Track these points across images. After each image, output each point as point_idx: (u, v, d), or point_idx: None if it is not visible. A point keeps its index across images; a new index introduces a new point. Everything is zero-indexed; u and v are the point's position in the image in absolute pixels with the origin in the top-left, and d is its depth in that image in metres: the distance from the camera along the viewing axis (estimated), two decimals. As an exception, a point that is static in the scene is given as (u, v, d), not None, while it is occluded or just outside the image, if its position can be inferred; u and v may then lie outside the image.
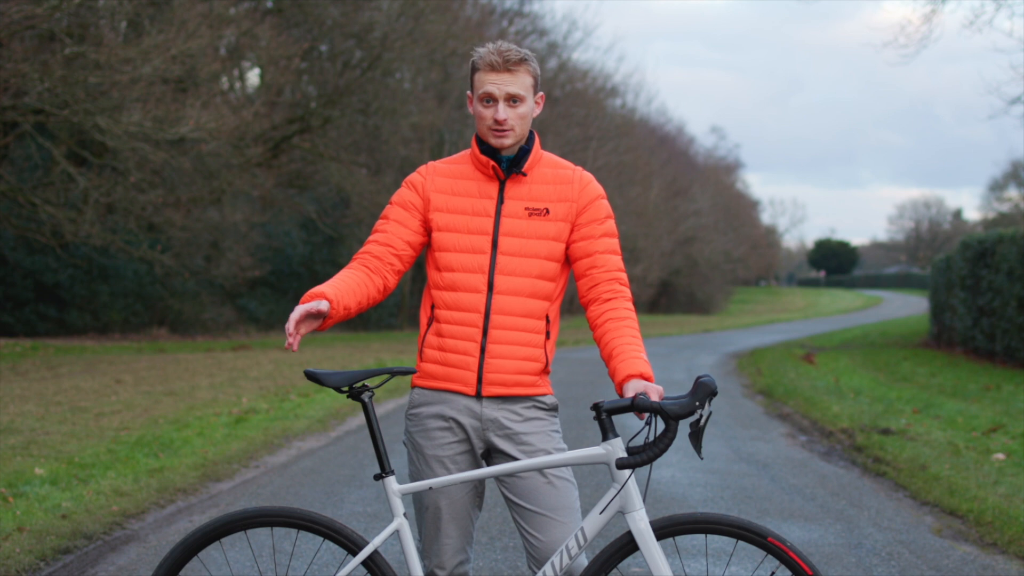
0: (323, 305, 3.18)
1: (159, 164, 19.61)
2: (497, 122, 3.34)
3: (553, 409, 3.49)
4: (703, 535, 3.22)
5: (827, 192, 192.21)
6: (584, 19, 65.73)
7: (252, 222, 26.50)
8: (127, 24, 20.00)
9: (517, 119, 3.35)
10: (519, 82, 3.34)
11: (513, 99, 3.34)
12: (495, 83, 3.33)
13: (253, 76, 28.67)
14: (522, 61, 3.34)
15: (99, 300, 24.94)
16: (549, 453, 3.39)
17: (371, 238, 3.47)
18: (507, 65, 3.33)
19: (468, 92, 3.45)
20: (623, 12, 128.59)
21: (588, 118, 35.71)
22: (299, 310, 3.16)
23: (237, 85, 28.26)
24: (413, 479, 3.46)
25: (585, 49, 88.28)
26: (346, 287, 3.30)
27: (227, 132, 19.67)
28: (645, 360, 3.28)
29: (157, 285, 26.03)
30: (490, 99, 3.34)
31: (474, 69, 3.38)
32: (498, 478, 3.38)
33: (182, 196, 22.10)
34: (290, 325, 3.13)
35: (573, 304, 37.96)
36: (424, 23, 25.75)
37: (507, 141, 3.37)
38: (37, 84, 16.56)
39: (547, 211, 3.41)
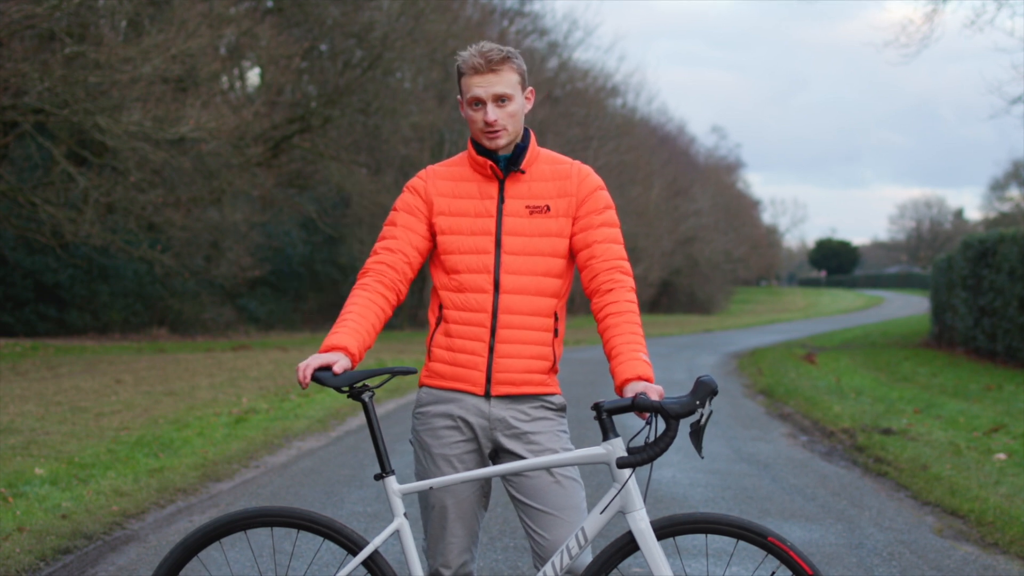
0: (342, 365, 3.20)
1: (159, 164, 19.60)
2: (488, 124, 3.33)
3: (561, 409, 3.48)
4: (703, 535, 3.21)
5: (828, 192, 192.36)
6: (585, 18, 66.02)
7: (252, 222, 26.50)
8: (127, 24, 19.99)
9: (507, 118, 3.34)
10: (504, 81, 3.32)
11: (501, 99, 3.33)
12: (480, 85, 3.32)
13: (253, 76, 28.68)
14: (505, 59, 3.33)
15: (99, 300, 24.93)
16: (556, 453, 3.38)
17: (381, 245, 3.45)
18: (490, 66, 3.32)
19: (458, 97, 3.44)
20: (624, 11, 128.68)
21: (589, 118, 35.72)
22: (316, 360, 3.18)
23: (237, 85, 28.26)
24: (420, 478, 3.45)
25: (586, 48, 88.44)
26: (367, 325, 3.32)
27: (227, 132, 19.66)
28: (646, 361, 3.26)
29: (157, 285, 26.03)
30: (478, 102, 3.34)
31: (460, 74, 3.37)
32: (505, 477, 3.37)
33: (182, 196, 22.09)
34: (305, 375, 3.16)
35: (573, 303, 37.96)
36: (424, 23, 25.75)
37: (500, 141, 3.36)
38: (37, 84, 16.55)
39: (548, 208, 3.40)
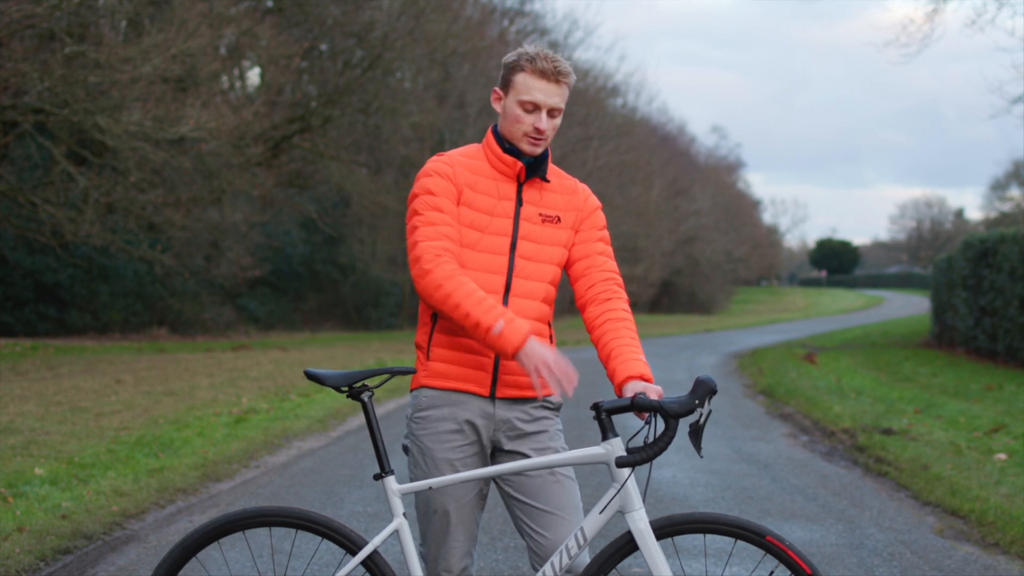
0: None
1: (159, 164, 19.59)
2: (537, 131, 3.30)
3: (558, 409, 3.47)
4: (702, 535, 3.20)
5: (830, 192, 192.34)
6: (585, 18, 65.94)
7: (252, 222, 26.49)
8: (127, 23, 19.98)
9: (552, 130, 3.35)
10: (562, 94, 3.31)
11: (554, 111, 3.32)
12: (544, 92, 3.28)
13: (253, 75, 28.67)
14: (568, 74, 3.32)
15: (99, 300, 24.92)
16: (556, 452, 3.38)
17: (440, 232, 3.24)
18: (558, 77, 3.28)
19: (497, 88, 3.37)
20: (626, 11, 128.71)
21: (589, 117, 35.69)
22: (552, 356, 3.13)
23: (237, 84, 28.25)
24: (415, 480, 3.43)
25: (586, 48, 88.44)
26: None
27: (227, 131, 19.65)
28: (644, 361, 3.27)
29: (157, 285, 26.02)
30: (534, 107, 3.29)
31: (517, 68, 3.29)
32: (501, 477, 3.36)
33: (182, 196, 22.08)
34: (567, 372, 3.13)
35: (574, 304, 37.94)
36: (425, 22, 25.74)
37: (539, 150, 3.35)
38: (37, 83, 16.55)
39: (559, 219, 3.42)
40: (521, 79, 3.28)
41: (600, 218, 3.50)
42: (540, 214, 3.39)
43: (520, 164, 3.35)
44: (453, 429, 3.35)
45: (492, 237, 3.34)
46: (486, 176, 3.38)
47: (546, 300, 3.40)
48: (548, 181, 3.41)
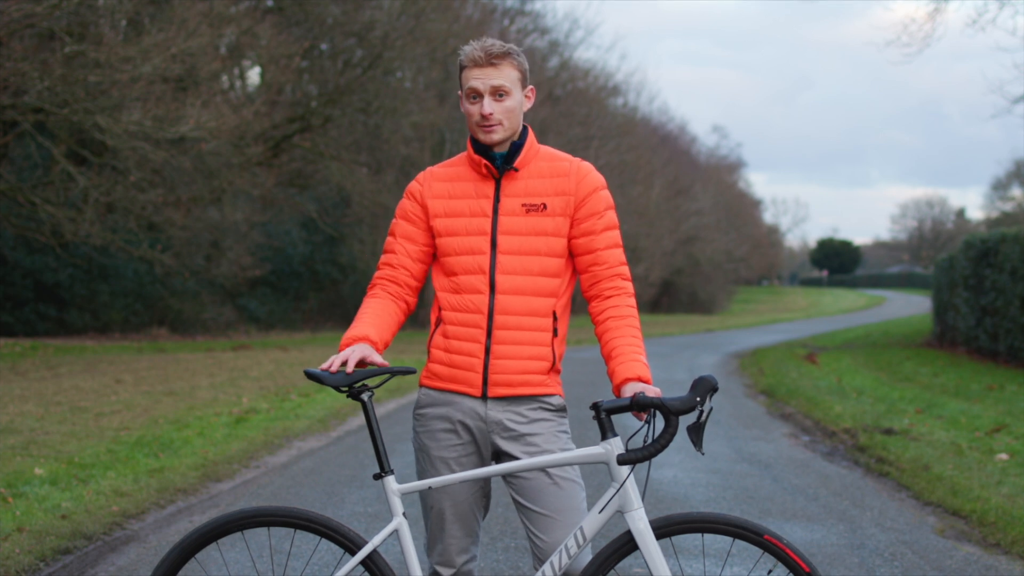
0: (377, 358, 3.23)
1: (159, 163, 19.58)
2: (484, 116, 3.32)
3: (560, 410, 3.44)
4: (701, 534, 3.20)
5: (834, 191, 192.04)
6: (586, 18, 65.91)
7: (252, 221, 26.48)
8: (127, 23, 19.97)
9: (504, 112, 3.32)
10: (503, 75, 3.31)
11: (499, 92, 3.31)
12: (479, 78, 3.31)
13: (253, 75, 28.66)
14: (505, 54, 3.32)
15: (99, 300, 24.92)
16: (553, 454, 3.36)
17: (383, 259, 3.49)
18: (490, 59, 3.31)
19: (459, 92, 3.43)
20: (631, 11, 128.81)
21: (589, 117, 35.68)
22: (356, 354, 3.19)
23: (237, 84, 28.24)
24: (420, 478, 3.45)
25: (587, 48, 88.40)
26: (383, 323, 3.36)
27: (227, 131, 19.63)
28: (644, 363, 3.25)
29: (157, 285, 26.02)
30: (476, 95, 3.33)
31: (460, 70, 3.37)
32: (505, 479, 3.36)
33: (182, 195, 22.07)
34: (336, 364, 3.17)
35: (574, 303, 37.91)
36: (425, 22, 25.73)
37: (495, 136, 3.34)
38: (37, 83, 16.53)
39: (544, 206, 3.37)
40: (464, 77, 3.36)
41: (600, 201, 3.39)
42: (523, 205, 3.37)
43: (484, 160, 3.36)
44: (447, 429, 3.38)
45: (472, 238, 3.36)
46: (464, 180, 3.41)
47: (538, 293, 3.36)
48: (516, 170, 3.38)
